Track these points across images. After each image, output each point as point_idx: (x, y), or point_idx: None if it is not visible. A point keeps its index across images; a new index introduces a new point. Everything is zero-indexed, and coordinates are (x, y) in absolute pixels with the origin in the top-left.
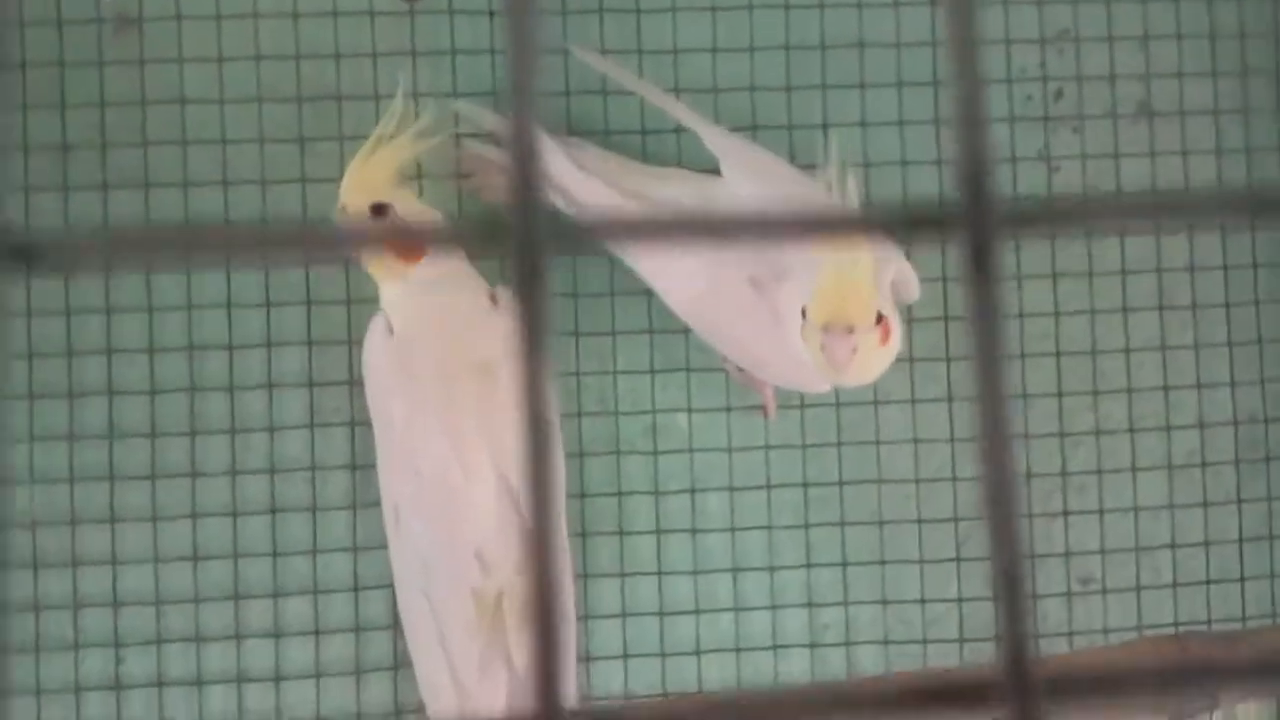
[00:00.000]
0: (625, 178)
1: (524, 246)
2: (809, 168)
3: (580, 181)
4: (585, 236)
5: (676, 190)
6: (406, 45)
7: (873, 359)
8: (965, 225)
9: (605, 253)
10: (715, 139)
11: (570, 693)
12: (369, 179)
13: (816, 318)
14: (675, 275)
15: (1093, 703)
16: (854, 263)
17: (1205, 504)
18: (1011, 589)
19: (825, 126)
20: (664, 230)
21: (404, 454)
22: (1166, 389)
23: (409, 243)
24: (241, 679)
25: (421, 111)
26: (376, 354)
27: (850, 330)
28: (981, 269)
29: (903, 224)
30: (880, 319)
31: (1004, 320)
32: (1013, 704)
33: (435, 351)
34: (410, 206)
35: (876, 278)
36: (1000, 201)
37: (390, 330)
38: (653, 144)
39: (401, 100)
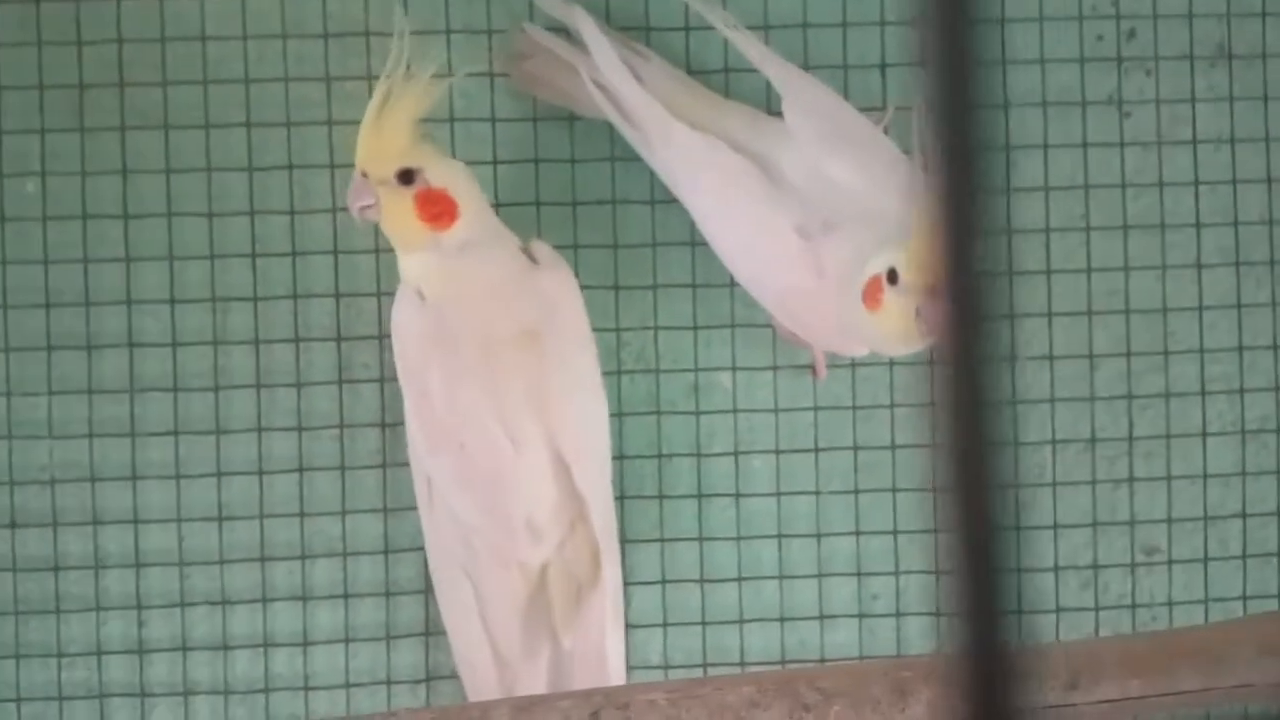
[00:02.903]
0: (684, 100)
1: None
2: (867, 110)
3: (635, 94)
4: None
5: (734, 124)
6: None
7: None
8: None
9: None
10: (781, 74)
11: (619, 663)
12: (387, 142)
13: (919, 279)
14: (722, 217)
15: None
16: None
17: (1279, 471)
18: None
19: (884, 67)
20: None
21: (445, 427)
22: (1241, 350)
23: (441, 207)
24: (267, 643)
25: (423, 51)
26: (408, 323)
27: None
28: None
29: None
30: None
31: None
32: None
33: (475, 319)
34: (439, 165)
35: None
36: None
37: (421, 298)
38: (695, 43)
39: (401, 42)
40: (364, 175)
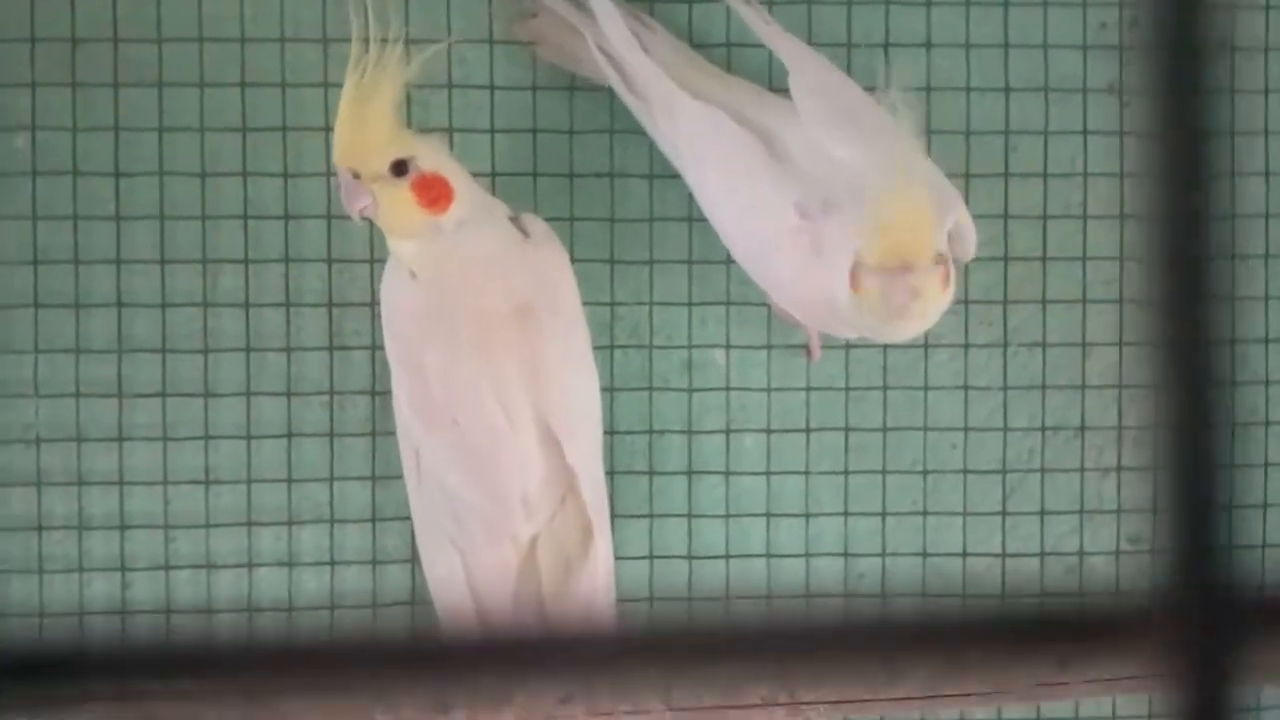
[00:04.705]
0: (688, 73)
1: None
2: (868, 90)
3: (640, 62)
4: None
5: (739, 98)
6: None
7: (932, 304)
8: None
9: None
10: (788, 50)
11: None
12: (374, 137)
13: (870, 257)
14: (722, 191)
15: None
16: (910, 192)
17: (1266, 464)
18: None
19: (887, 46)
20: None
21: (439, 403)
22: (1232, 342)
23: (438, 191)
24: (252, 608)
25: (390, 22)
26: (400, 300)
27: (908, 269)
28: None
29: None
30: (940, 259)
31: None
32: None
33: (468, 296)
34: (426, 147)
35: (936, 212)
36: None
37: (412, 275)
38: (698, 16)
39: (365, 25)
40: (355, 176)
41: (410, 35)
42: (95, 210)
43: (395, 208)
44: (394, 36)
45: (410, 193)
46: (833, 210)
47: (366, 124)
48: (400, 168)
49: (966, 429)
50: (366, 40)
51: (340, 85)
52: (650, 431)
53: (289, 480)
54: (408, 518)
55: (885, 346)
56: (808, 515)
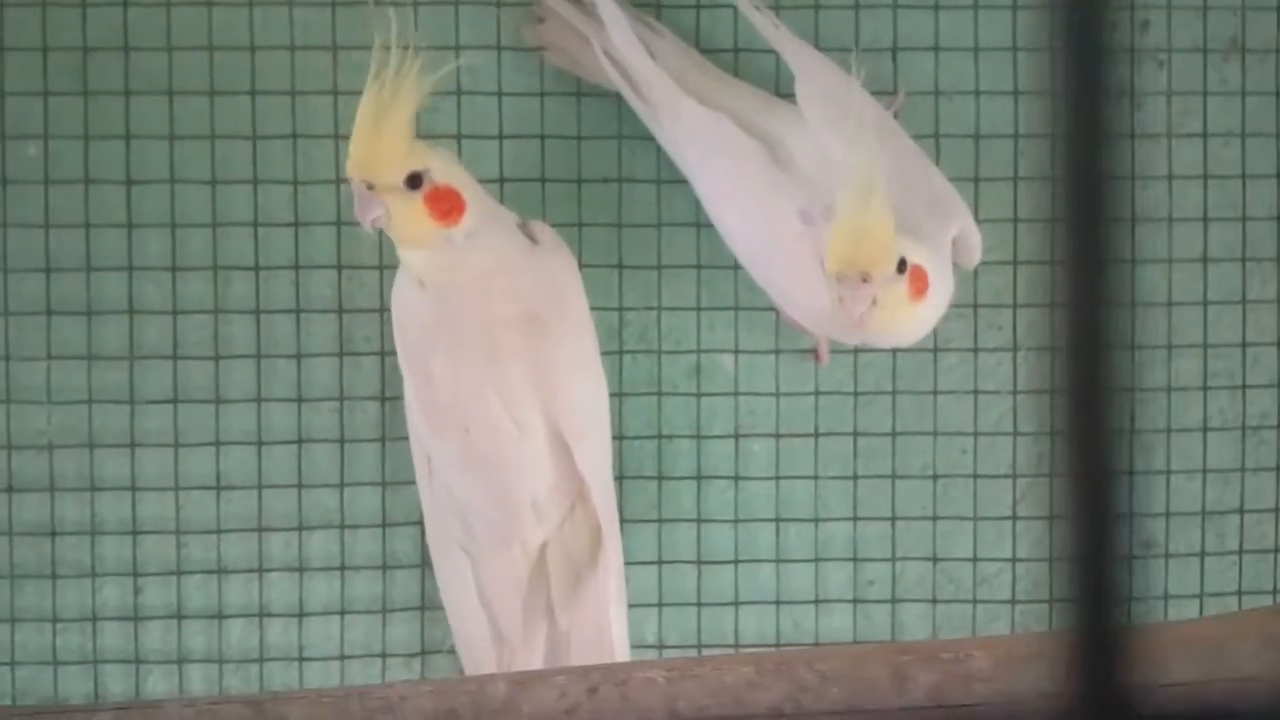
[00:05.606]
0: (695, 78)
1: None
2: (877, 94)
3: (646, 67)
4: None
5: (745, 104)
6: None
7: (900, 313)
8: None
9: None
10: (795, 55)
11: (623, 639)
12: (390, 150)
13: (830, 265)
14: (726, 196)
15: None
16: (867, 204)
17: (1279, 468)
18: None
19: (895, 50)
20: None
21: (448, 410)
22: (1244, 345)
23: (450, 203)
24: (263, 613)
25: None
26: (410, 308)
27: (865, 279)
28: None
29: None
30: (905, 267)
31: None
32: None
33: (477, 303)
34: (439, 160)
35: (899, 221)
36: None
37: (421, 284)
38: (706, 21)
39: (386, 36)
40: (369, 187)
41: (419, 43)
42: (106, 218)
43: (408, 219)
44: (411, 47)
45: (423, 205)
46: (834, 216)
47: (382, 137)
48: (414, 180)
49: (976, 434)
50: (387, 50)
51: (350, 93)
52: (659, 436)
53: (299, 486)
54: (417, 523)
55: (894, 351)
56: (817, 520)
